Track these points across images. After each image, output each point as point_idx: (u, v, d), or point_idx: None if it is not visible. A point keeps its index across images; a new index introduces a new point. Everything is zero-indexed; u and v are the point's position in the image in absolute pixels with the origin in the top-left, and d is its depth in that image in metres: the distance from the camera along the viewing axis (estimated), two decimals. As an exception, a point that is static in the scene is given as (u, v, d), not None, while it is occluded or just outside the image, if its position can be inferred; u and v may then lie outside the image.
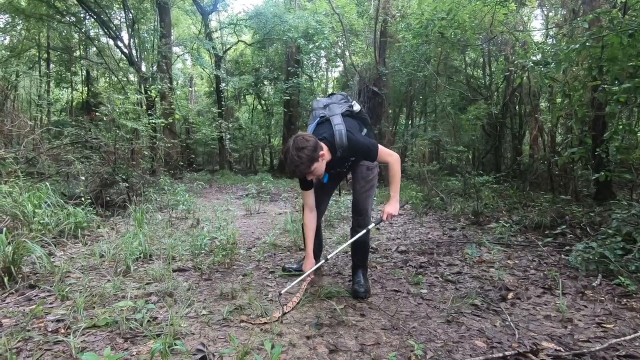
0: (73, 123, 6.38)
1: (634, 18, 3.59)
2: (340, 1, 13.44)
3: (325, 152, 2.09)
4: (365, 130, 2.40)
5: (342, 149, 2.14)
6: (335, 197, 5.01)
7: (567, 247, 3.31)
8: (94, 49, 14.05)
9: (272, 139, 19.32)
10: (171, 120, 9.50)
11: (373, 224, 2.36)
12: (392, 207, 2.23)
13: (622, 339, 1.77)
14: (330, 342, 1.74)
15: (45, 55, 14.86)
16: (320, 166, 2.08)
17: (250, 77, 15.46)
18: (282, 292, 2.12)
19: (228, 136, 13.89)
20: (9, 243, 2.42)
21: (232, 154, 14.59)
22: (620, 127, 3.39)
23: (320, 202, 2.65)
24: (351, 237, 2.48)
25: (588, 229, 3.75)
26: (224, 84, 14.14)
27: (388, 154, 2.24)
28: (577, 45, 3.37)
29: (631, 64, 3.27)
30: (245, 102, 20.14)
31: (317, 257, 2.82)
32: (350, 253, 2.56)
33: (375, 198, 6.56)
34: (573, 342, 1.78)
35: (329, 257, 2.43)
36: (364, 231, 2.32)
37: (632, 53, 3.23)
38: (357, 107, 2.45)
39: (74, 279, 2.44)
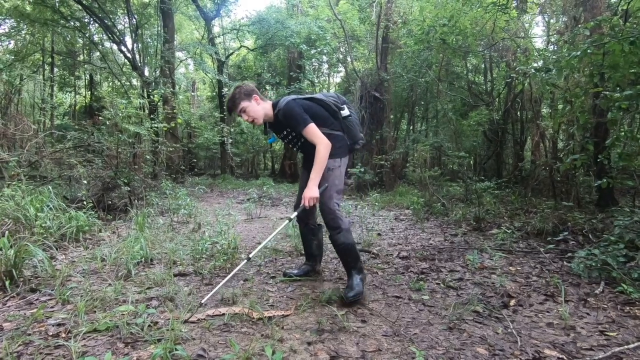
0: (76, 127, 6.42)
1: (635, 25, 3.61)
2: (342, 7, 13.54)
3: (261, 101, 2.39)
4: (339, 134, 2.44)
5: (279, 109, 2.35)
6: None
7: (569, 254, 3.30)
8: (98, 53, 14.19)
9: (273, 143, 19.31)
10: (173, 125, 9.56)
11: (295, 213, 2.36)
12: (309, 190, 2.24)
13: (626, 347, 1.76)
14: (331, 348, 1.73)
15: (50, 60, 15.00)
16: (253, 108, 2.36)
17: (252, 82, 15.52)
18: (203, 301, 2.12)
19: (230, 140, 13.95)
20: (10, 246, 2.43)
21: (234, 158, 14.63)
22: (622, 133, 3.38)
23: (298, 201, 2.63)
24: (331, 241, 2.42)
25: (590, 235, 3.74)
26: (226, 89, 14.21)
27: (318, 137, 2.26)
28: (579, 52, 3.38)
29: (633, 71, 3.27)
30: (247, 107, 20.18)
31: (318, 260, 2.82)
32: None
33: (376, 203, 6.58)
34: (576, 350, 1.76)
35: (250, 255, 2.35)
36: (286, 222, 2.35)
37: (633, 60, 3.24)
38: (345, 112, 2.50)
39: (75, 282, 2.45)
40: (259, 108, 2.38)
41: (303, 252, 3.10)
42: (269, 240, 2.37)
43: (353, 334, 1.88)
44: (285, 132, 2.49)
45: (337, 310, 2.06)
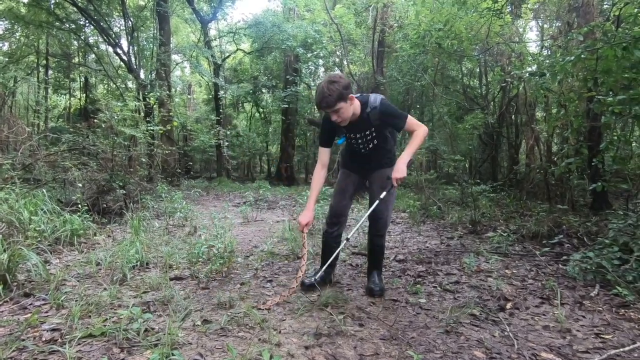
0: (71, 129, 6.37)
1: (627, 31, 3.66)
2: (339, 11, 13.61)
3: (354, 99, 2.22)
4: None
5: (373, 107, 2.24)
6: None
7: (565, 257, 3.32)
8: (93, 55, 14.11)
9: (269, 146, 19.38)
10: (169, 128, 9.50)
11: (385, 192, 2.31)
12: (400, 170, 2.19)
13: (621, 349, 1.77)
14: (329, 352, 1.73)
15: (44, 62, 14.91)
16: (346, 109, 2.17)
17: (248, 85, 15.57)
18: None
19: (226, 143, 13.90)
20: (4, 250, 2.40)
21: (230, 161, 14.58)
22: (616, 137, 3.44)
23: (338, 203, 2.57)
24: (369, 245, 2.58)
25: (585, 238, 3.77)
26: (222, 92, 14.19)
27: (417, 124, 2.27)
28: (572, 57, 3.43)
29: (625, 75, 3.31)
30: (243, 110, 20.22)
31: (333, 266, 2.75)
32: (366, 258, 2.70)
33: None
34: (572, 353, 1.77)
35: (349, 236, 2.58)
36: (377, 201, 2.32)
37: (626, 65, 3.28)
38: None
39: (70, 287, 2.42)
40: (352, 109, 2.22)
41: (300, 255, 3.09)
42: (358, 227, 2.56)
43: (350, 338, 1.87)
44: (366, 132, 2.36)
45: (334, 314, 2.06)
